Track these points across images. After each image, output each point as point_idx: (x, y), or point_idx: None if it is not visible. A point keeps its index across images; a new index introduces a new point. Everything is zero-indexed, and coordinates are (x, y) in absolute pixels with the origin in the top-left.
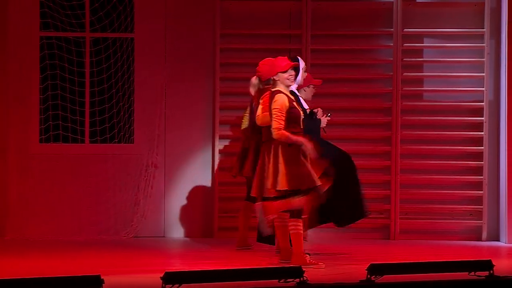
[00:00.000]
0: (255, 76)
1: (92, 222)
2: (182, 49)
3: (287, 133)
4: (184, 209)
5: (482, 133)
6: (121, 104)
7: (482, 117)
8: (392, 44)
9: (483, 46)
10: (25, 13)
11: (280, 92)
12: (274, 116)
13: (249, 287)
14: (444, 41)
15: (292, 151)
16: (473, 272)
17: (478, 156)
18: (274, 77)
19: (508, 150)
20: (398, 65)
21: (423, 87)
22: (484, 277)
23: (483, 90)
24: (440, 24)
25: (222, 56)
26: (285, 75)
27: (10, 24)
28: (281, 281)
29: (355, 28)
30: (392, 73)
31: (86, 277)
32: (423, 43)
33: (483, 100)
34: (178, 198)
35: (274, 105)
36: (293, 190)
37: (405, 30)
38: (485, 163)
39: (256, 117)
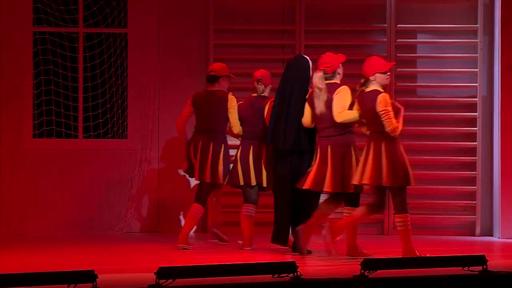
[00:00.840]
0: (318, 70)
1: (85, 217)
2: (176, 45)
3: (400, 128)
4: (177, 204)
5: (476, 128)
6: (114, 99)
7: (476, 112)
8: (385, 39)
9: (476, 41)
10: (18, 8)
11: (380, 91)
12: (386, 117)
13: (243, 282)
14: (437, 36)
15: (395, 147)
16: (466, 267)
17: (472, 151)
18: (370, 77)
19: (501, 145)
20: (392, 60)
21: (416, 82)
22: (477, 272)
23: (476, 86)
24: (433, 20)
25: (216, 51)
26: (384, 75)
27: (3, 19)
28: (275, 276)
29: (349, 23)
30: None
31: (80, 272)
32: (416, 39)
33: (476, 96)
34: (171, 193)
35: (382, 106)
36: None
37: (398, 25)
38: (478, 158)
39: (340, 114)
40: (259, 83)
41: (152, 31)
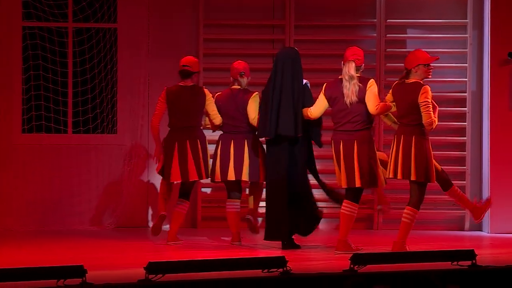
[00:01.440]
0: (349, 60)
1: (75, 213)
2: (165, 39)
3: (436, 123)
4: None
5: (465, 123)
6: (104, 94)
7: (465, 107)
8: (375, 34)
9: (466, 36)
10: (7, 3)
11: (423, 84)
12: (426, 109)
13: (233, 277)
14: (427, 31)
15: (424, 142)
16: (455, 262)
17: (461, 146)
18: (413, 69)
19: (490, 140)
20: (382, 55)
21: None
22: (466, 267)
23: (466, 81)
24: (423, 15)
25: (206, 46)
26: (427, 68)
27: None
28: (264, 271)
29: (339, 18)
30: (375, 64)
31: (69, 267)
32: (406, 34)
33: (466, 91)
34: None
35: (423, 98)
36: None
37: (388, 20)
38: (467, 153)
39: (377, 106)
40: (243, 76)
41: (141, 25)
